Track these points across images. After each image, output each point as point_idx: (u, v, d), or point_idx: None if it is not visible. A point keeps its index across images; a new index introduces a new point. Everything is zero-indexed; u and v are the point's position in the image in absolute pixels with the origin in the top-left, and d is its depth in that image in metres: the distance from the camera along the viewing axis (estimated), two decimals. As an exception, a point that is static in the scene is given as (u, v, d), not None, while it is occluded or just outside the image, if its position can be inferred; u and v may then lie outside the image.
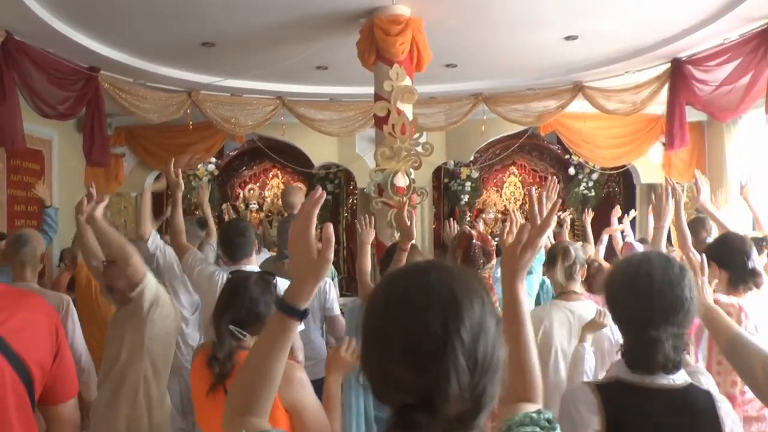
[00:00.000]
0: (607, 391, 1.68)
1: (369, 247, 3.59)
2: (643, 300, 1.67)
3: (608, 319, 2.58)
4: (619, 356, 1.76)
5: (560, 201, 1.51)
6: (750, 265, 2.79)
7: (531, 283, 3.81)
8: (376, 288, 1.07)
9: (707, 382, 2.03)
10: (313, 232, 1.25)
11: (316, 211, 1.26)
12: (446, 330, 0.93)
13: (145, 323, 2.74)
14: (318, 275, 1.23)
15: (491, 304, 1.00)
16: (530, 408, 1.27)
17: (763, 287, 2.98)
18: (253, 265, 3.61)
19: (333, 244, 1.25)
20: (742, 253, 2.81)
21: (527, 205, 4.21)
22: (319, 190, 1.31)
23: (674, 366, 1.67)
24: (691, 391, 1.67)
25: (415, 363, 0.93)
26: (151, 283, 2.79)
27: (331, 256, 1.25)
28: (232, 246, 3.55)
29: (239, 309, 2.16)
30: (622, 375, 1.70)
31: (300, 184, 8.87)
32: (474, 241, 2.59)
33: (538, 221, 1.48)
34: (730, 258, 2.60)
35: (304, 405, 1.98)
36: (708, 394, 1.69)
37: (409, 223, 3.33)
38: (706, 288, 2.25)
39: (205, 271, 3.50)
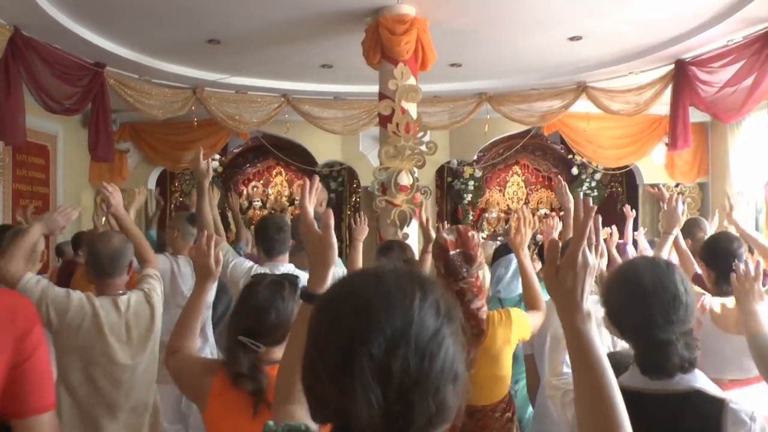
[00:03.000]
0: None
1: (360, 244, 3.69)
2: (638, 301, 1.62)
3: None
4: None
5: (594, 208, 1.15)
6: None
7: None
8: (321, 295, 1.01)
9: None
10: (314, 222, 1.32)
11: (313, 200, 1.32)
12: (351, 343, 0.83)
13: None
14: (326, 260, 1.31)
15: (434, 306, 0.88)
16: None
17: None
18: (286, 263, 3.48)
19: (332, 228, 1.33)
20: (730, 254, 2.78)
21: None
22: (315, 180, 1.42)
23: (690, 365, 1.61)
24: (695, 397, 1.58)
25: (328, 380, 0.84)
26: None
27: (332, 239, 1.33)
28: (271, 241, 3.44)
29: (245, 318, 1.91)
30: (625, 382, 1.58)
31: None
32: (450, 252, 2.43)
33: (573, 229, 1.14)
34: (717, 258, 2.55)
35: None
36: (718, 401, 1.57)
37: (427, 228, 3.68)
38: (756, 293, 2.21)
39: (241, 266, 3.33)
